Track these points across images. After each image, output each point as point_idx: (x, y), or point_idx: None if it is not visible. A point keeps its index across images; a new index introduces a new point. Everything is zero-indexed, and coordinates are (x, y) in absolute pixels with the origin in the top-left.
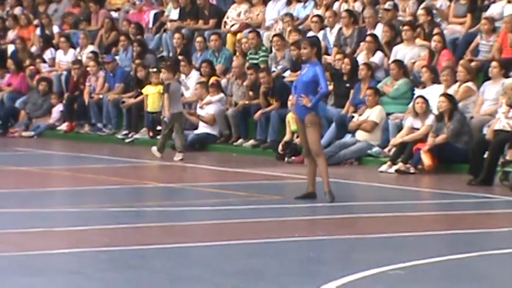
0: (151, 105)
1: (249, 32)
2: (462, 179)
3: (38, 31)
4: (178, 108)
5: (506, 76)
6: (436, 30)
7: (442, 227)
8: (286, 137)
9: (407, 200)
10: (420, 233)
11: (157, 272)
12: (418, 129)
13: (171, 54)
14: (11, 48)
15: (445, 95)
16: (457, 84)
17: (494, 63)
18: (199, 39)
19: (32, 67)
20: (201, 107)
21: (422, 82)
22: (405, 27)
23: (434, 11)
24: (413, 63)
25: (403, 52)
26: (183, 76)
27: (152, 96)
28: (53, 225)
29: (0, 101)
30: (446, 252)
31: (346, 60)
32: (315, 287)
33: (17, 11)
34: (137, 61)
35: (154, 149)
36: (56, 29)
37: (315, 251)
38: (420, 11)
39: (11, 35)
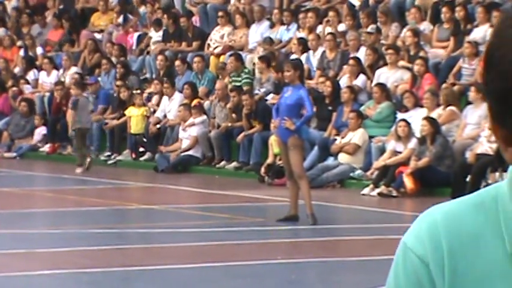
0: (134, 127)
1: (230, 55)
2: (444, 202)
3: (21, 52)
4: (82, 124)
5: None
6: (420, 54)
7: None
8: (269, 160)
9: (389, 223)
10: None
11: None
12: (400, 152)
13: (154, 76)
14: None
15: (428, 118)
16: (440, 107)
17: (473, 88)
18: (177, 62)
19: (14, 88)
20: (184, 129)
21: (404, 106)
22: (389, 51)
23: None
24: (396, 86)
25: (386, 75)
26: (165, 99)
27: (135, 118)
28: (35, 247)
29: None
30: None
31: (328, 83)
32: None
33: (1, 32)
34: (119, 82)
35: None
36: (39, 50)
37: (297, 274)
38: (407, 33)
39: None
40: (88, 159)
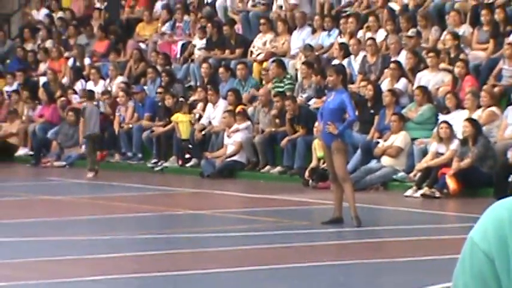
0: (182, 133)
1: (273, 61)
2: (487, 202)
3: (69, 63)
4: (93, 130)
5: None
6: (461, 56)
7: None
8: (313, 163)
9: (432, 224)
10: (446, 256)
11: None
12: (442, 154)
13: (198, 83)
14: (42, 80)
15: (469, 119)
16: (481, 109)
17: None
18: (221, 70)
19: (63, 98)
20: (228, 135)
21: (446, 107)
22: (430, 54)
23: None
24: (437, 89)
25: (427, 78)
26: (209, 106)
27: (182, 124)
28: (85, 253)
29: (33, 132)
30: None
31: (370, 86)
32: None
33: (48, 43)
34: (164, 90)
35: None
36: (86, 60)
37: (343, 275)
38: (447, 36)
39: (43, 67)
40: (92, 167)
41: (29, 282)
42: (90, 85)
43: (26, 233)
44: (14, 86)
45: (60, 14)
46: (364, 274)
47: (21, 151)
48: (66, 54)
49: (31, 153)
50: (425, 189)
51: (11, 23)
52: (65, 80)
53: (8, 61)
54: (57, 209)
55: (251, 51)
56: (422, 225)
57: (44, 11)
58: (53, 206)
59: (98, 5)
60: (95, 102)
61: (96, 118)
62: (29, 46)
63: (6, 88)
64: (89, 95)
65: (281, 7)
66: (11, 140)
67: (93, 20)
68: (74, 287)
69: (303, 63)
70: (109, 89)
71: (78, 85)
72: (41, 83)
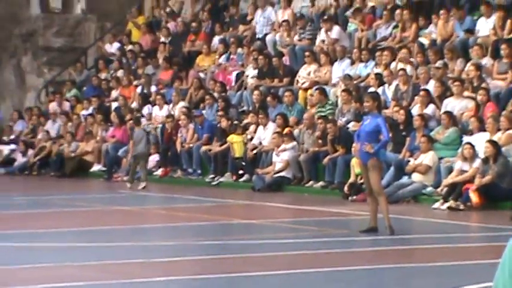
0: (236, 152)
1: (316, 89)
2: (506, 214)
3: (138, 90)
4: (141, 150)
5: None
6: (483, 85)
7: (489, 257)
8: (351, 179)
9: (458, 233)
10: (470, 262)
11: None
12: (466, 171)
13: (250, 108)
14: (114, 105)
15: (490, 141)
16: (500, 131)
17: None
18: (270, 96)
19: (132, 121)
20: (277, 154)
21: (470, 130)
22: (455, 83)
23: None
24: (462, 114)
25: (453, 104)
26: (260, 128)
27: (237, 143)
28: (152, 257)
29: (106, 151)
30: (492, 279)
31: (402, 112)
32: None
33: (120, 73)
34: (221, 114)
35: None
36: (153, 88)
37: (378, 278)
38: (471, 67)
39: (114, 94)
40: (144, 183)
41: (105, 282)
42: (155, 110)
43: (101, 239)
44: (90, 110)
45: (130, 47)
46: (397, 277)
47: (96, 167)
48: (135, 82)
49: (104, 169)
50: (451, 203)
51: (87, 55)
52: (133, 105)
53: (84, 88)
54: (127, 218)
55: (297, 80)
56: (449, 234)
57: (116, 44)
58: (123, 216)
59: (163, 39)
60: (141, 127)
61: (144, 140)
62: (103, 75)
63: (83, 112)
64: (136, 120)
65: (323, 41)
66: (87, 158)
67: (159, 52)
68: (143, 287)
69: (342, 90)
70: (172, 113)
71: (145, 109)
72: (113, 107)
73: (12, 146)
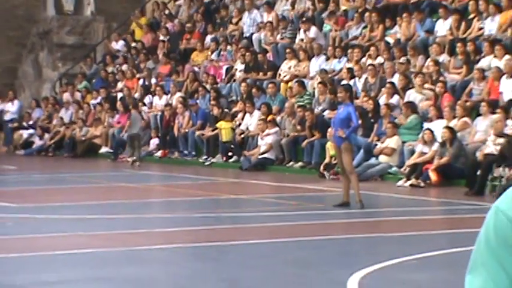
0: (225, 136)
1: (295, 82)
2: (460, 190)
3: (140, 82)
4: (136, 131)
5: (493, 112)
6: (440, 78)
7: (445, 227)
8: (326, 160)
9: (418, 207)
10: (429, 232)
11: (232, 262)
12: (426, 153)
13: (239, 98)
14: (119, 95)
15: (447, 127)
16: (456, 119)
17: (483, 104)
18: (254, 89)
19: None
20: (261, 138)
21: (429, 117)
22: (417, 77)
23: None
24: (422, 103)
25: (414, 95)
26: (247, 115)
27: (226, 129)
28: (153, 227)
29: (112, 135)
30: (449, 246)
31: (371, 101)
32: (349, 273)
33: (124, 67)
34: (213, 103)
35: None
36: (153, 80)
37: (349, 246)
38: (430, 63)
39: (120, 85)
40: (137, 161)
41: (112, 249)
42: (156, 99)
43: (108, 212)
44: (98, 100)
45: (133, 44)
46: (366, 245)
47: (103, 149)
48: (137, 75)
49: (111, 151)
50: (412, 180)
51: (96, 51)
52: (136, 95)
53: (94, 80)
54: (131, 193)
55: (279, 74)
56: (411, 208)
57: (121, 42)
58: (128, 192)
59: (162, 37)
60: (139, 111)
61: (139, 122)
62: (109, 69)
63: (92, 101)
64: (134, 103)
65: (302, 40)
66: (96, 141)
67: (159, 49)
68: (146, 253)
69: (319, 83)
70: (170, 102)
71: (147, 99)
72: (118, 97)
73: (31, 131)
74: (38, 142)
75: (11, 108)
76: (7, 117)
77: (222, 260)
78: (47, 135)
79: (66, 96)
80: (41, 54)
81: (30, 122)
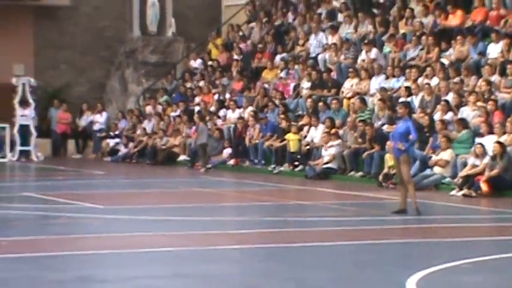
0: (292, 147)
1: (357, 98)
2: (509, 201)
3: (215, 97)
4: (202, 140)
5: None
6: (492, 97)
7: (495, 234)
8: (385, 170)
9: (470, 215)
10: (480, 238)
11: (298, 263)
12: (478, 165)
13: (305, 113)
14: (196, 108)
15: (498, 142)
16: (506, 134)
17: None
18: (321, 103)
19: (210, 121)
20: (325, 149)
21: (481, 133)
22: (470, 96)
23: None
24: (475, 119)
25: (467, 112)
26: (312, 128)
27: (293, 140)
28: (226, 229)
29: (189, 144)
30: (499, 252)
31: (426, 117)
32: (407, 274)
33: (201, 83)
34: (281, 116)
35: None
36: (227, 95)
37: (406, 250)
38: (482, 83)
39: (197, 99)
40: (203, 169)
41: (190, 248)
42: (229, 113)
43: (186, 214)
44: (177, 112)
45: (210, 63)
46: (422, 249)
47: (181, 157)
48: (213, 90)
49: (188, 159)
50: (465, 191)
51: (176, 69)
52: (212, 109)
53: (173, 95)
54: (206, 198)
55: (342, 91)
56: (463, 216)
57: (199, 61)
58: (203, 196)
59: (236, 57)
60: (205, 123)
61: (205, 133)
62: (188, 85)
63: (172, 113)
64: (200, 117)
65: (364, 60)
66: (175, 150)
67: (233, 67)
68: (220, 253)
69: (378, 99)
70: (242, 115)
71: (221, 112)
72: (195, 110)
73: (117, 140)
74: (123, 150)
75: (100, 119)
76: (96, 127)
77: (289, 261)
78: (131, 144)
79: (148, 108)
80: (127, 71)
81: (117, 132)
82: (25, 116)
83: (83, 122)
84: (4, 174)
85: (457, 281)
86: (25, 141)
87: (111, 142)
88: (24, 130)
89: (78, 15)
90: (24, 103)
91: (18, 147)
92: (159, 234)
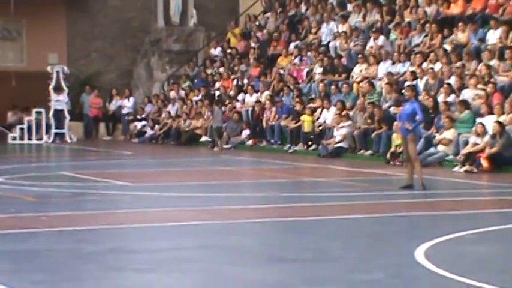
0: (306, 128)
1: (366, 82)
2: (509, 176)
3: (234, 82)
4: (217, 124)
5: None
6: (491, 80)
7: (496, 207)
8: (392, 149)
9: (472, 189)
10: (482, 211)
11: (315, 235)
12: (478, 143)
13: (317, 96)
14: (217, 93)
15: (497, 121)
16: (505, 114)
17: None
18: (332, 87)
19: (230, 105)
20: (337, 130)
21: (481, 113)
22: (471, 79)
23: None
24: (475, 101)
25: (469, 94)
26: (325, 111)
27: (307, 122)
28: (247, 204)
29: (211, 127)
30: (501, 223)
31: (431, 99)
32: (415, 245)
33: (221, 69)
34: (295, 99)
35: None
36: (245, 81)
37: (414, 222)
38: (482, 67)
39: (217, 84)
40: (219, 145)
41: (214, 222)
42: (247, 97)
43: (209, 190)
44: (199, 97)
45: (229, 50)
46: (428, 221)
47: (203, 138)
48: (232, 76)
49: (209, 139)
50: (467, 167)
51: (198, 56)
52: (231, 93)
53: (195, 81)
54: (227, 175)
55: (352, 76)
56: (465, 190)
57: (219, 49)
58: (224, 174)
59: (253, 45)
60: (220, 107)
61: (220, 116)
62: (209, 71)
63: (194, 98)
64: (217, 101)
65: (372, 47)
66: (197, 131)
67: (250, 54)
68: (242, 226)
69: (386, 83)
70: (260, 99)
71: (240, 96)
72: (216, 94)
73: (144, 122)
74: (149, 132)
75: (128, 104)
76: (124, 111)
77: (306, 233)
78: (156, 126)
79: (172, 93)
80: (152, 59)
81: (143, 115)
82: (59, 101)
83: (112, 106)
84: (41, 155)
85: (462, 251)
86: (59, 124)
87: (139, 125)
88: (58, 114)
89: (107, 7)
90: (58, 89)
91: (54, 130)
92: (185, 209)
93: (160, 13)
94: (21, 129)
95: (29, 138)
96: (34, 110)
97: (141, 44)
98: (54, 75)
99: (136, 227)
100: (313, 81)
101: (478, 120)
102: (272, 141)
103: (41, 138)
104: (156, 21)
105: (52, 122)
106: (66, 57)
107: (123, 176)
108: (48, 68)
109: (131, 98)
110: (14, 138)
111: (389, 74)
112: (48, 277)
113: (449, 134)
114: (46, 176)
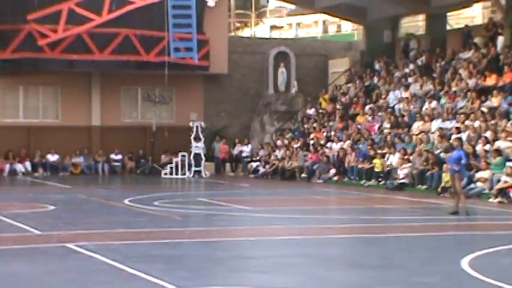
0: (377, 168)
1: (423, 135)
2: None
3: (324, 133)
4: (298, 164)
5: None
6: None
7: None
8: (442, 184)
9: (504, 215)
10: None
11: (387, 247)
12: (508, 181)
13: (386, 145)
14: (311, 142)
15: None
16: None
17: None
18: (396, 139)
19: (321, 150)
20: (400, 170)
21: (510, 159)
22: (502, 133)
23: None
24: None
25: (501, 144)
26: (391, 155)
27: (378, 163)
28: (334, 224)
29: (306, 167)
30: None
31: (471, 148)
32: (461, 256)
33: (315, 125)
34: (369, 147)
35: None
36: (332, 132)
37: (460, 239)
38: (510, 124)
39: (311, 135)
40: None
41: (310, 237)
42: (333, 144)
43: (305, 213)
44: (298, 144)
45: (320, 111)
46: (472, 238)
47: (302, 175)
48: (323, 129)
49: (305, 176)
50: (499, 199)
51: (297, 115)
52: (322, 142)
53: (296, 133)
54: (319, 202)
55: (412, 130)
56: (498, 216)
57: (313, 109)
58: (317, 201)
59: (338, 107)
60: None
61: (301, 159)
62: (305, 126)
63: (295, 145)
64: (314, 148)
65: (427, 108)
66: (296, 169)
67: (336, 113)
68: (331, 240)
69: (437, 135)
70: (343, 146)
71: (328, 144)
72: (311, 143)
73: (258, 163)
74: (261, 170)
75: (246, 149)
76: (244, 154)
77: (380, 246)
78: (267, 166)
79: (279, 142)
80: (264, 117)
81: (258, 158)
82: (198, 147)
83: (235, 151)
84: (184, 186)
85: (498, 261)
86: (197, 164)
87: (254, 164)
88: (197, 157)
89: (232, 80)
90: (197, 138)
91: (193, 168)
92: (288, 226)
93: (270, 83)
94: (171, 168)
95: (176, 174)
96: (180, 154)
97: (256, 106)
98: (194, 129)
99: (253, 240)
100: (383, 134)
101: (508, 164)
102: (352, 177)
103: (184, 174)
104: (268, 89)
105: (192, 162)
106: (203, 115)
107: (242, 202)
108: (190, 123)
109: (249, 145)
110: (165, 174)
111: (440, 129)
112: (190, 275)
113: (485, 174)
114: (188, 201)
